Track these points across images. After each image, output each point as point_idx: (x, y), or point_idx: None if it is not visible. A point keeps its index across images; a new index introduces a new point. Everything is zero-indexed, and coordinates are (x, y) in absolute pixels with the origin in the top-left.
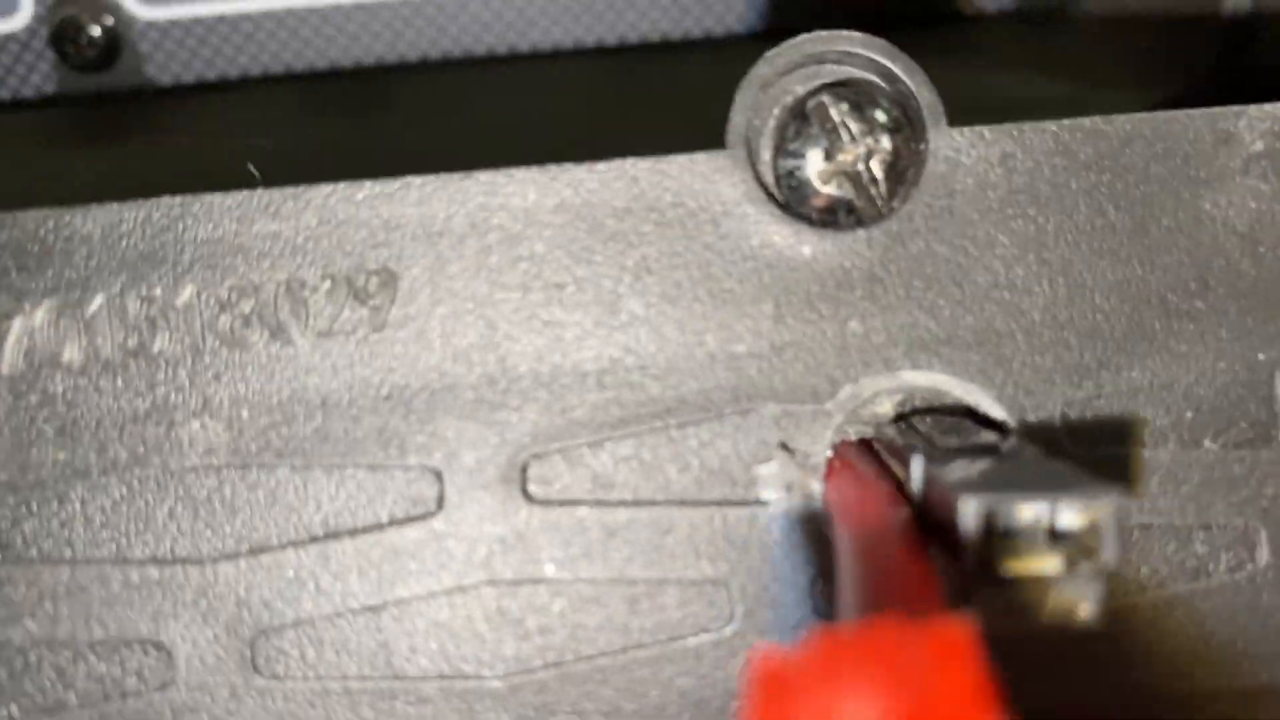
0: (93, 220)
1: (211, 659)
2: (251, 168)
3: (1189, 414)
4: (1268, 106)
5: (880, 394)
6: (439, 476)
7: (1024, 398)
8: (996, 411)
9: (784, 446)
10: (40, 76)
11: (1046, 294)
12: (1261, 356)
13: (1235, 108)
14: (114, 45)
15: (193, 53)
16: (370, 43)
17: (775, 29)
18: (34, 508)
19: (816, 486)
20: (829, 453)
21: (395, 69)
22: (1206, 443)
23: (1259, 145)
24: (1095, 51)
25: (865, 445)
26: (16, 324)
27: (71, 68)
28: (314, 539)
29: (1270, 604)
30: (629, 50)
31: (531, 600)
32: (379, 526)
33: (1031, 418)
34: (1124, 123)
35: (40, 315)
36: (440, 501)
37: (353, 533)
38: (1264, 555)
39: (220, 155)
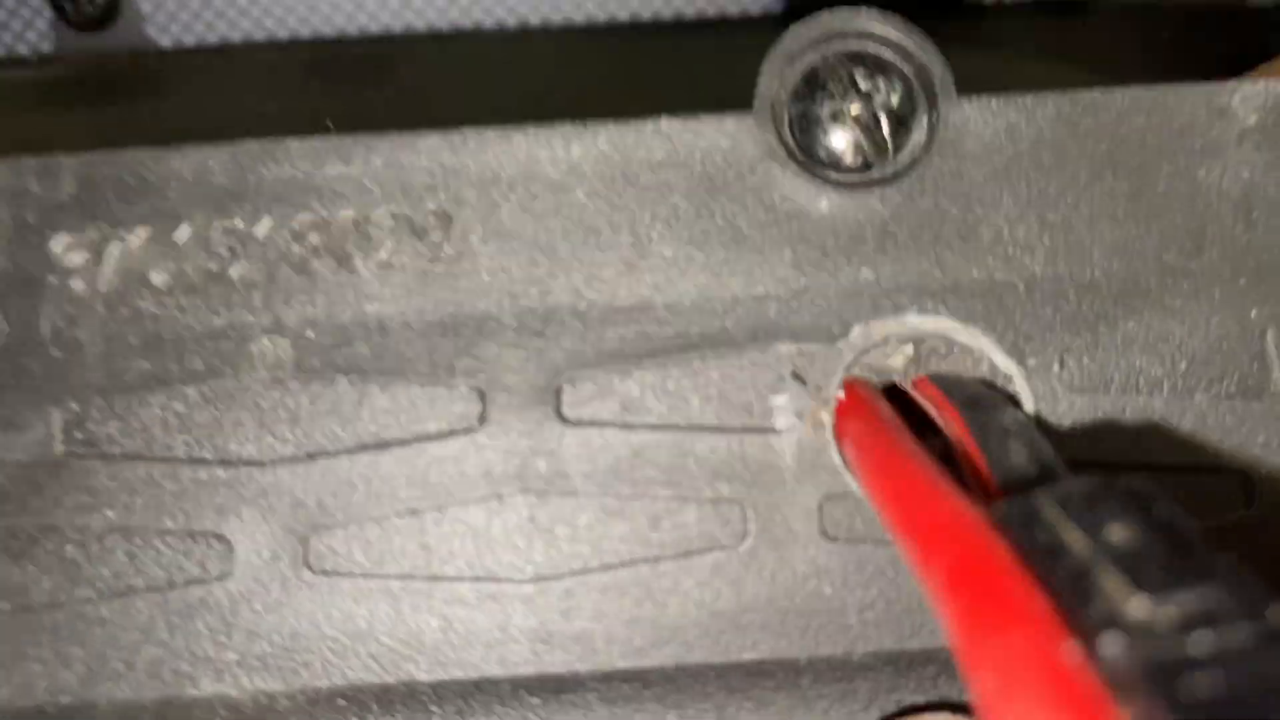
0: (183, 159)
1: (268, 553)
2: (329, 123)
3: (1182, 365)
4: (1261, 82)
5: (890, 337)
6: (482, 396)
7: (1024, 343)
8: (999, 356)
9: (796, 376)
10: (37, 34)
11: (1047, 250)
12: (1253, 314)
13: (1230, 83)
14: (113, 4)
15: (194, 15)
16: (373, 11)
17: (797, 9)
18: (119, 410)
19: (826, 417)
20: (840, 388)
21: (396, 38)
22: (1198, 394)
23: (1252, 119)
24: (1117, 43)
25: (872, 386)
26: (114, 248)
27: (69, 26)
28: (366, 448)
29: (1260, 547)
30: (642, 27)
31: (561, 512)
32: (426, 438)
33: (1031, 362)
34: (1123, 95)
35: (135, 241)
36: (482, 418)
37: (402, 443)
38: (1254, 500)
39: (217, 117)
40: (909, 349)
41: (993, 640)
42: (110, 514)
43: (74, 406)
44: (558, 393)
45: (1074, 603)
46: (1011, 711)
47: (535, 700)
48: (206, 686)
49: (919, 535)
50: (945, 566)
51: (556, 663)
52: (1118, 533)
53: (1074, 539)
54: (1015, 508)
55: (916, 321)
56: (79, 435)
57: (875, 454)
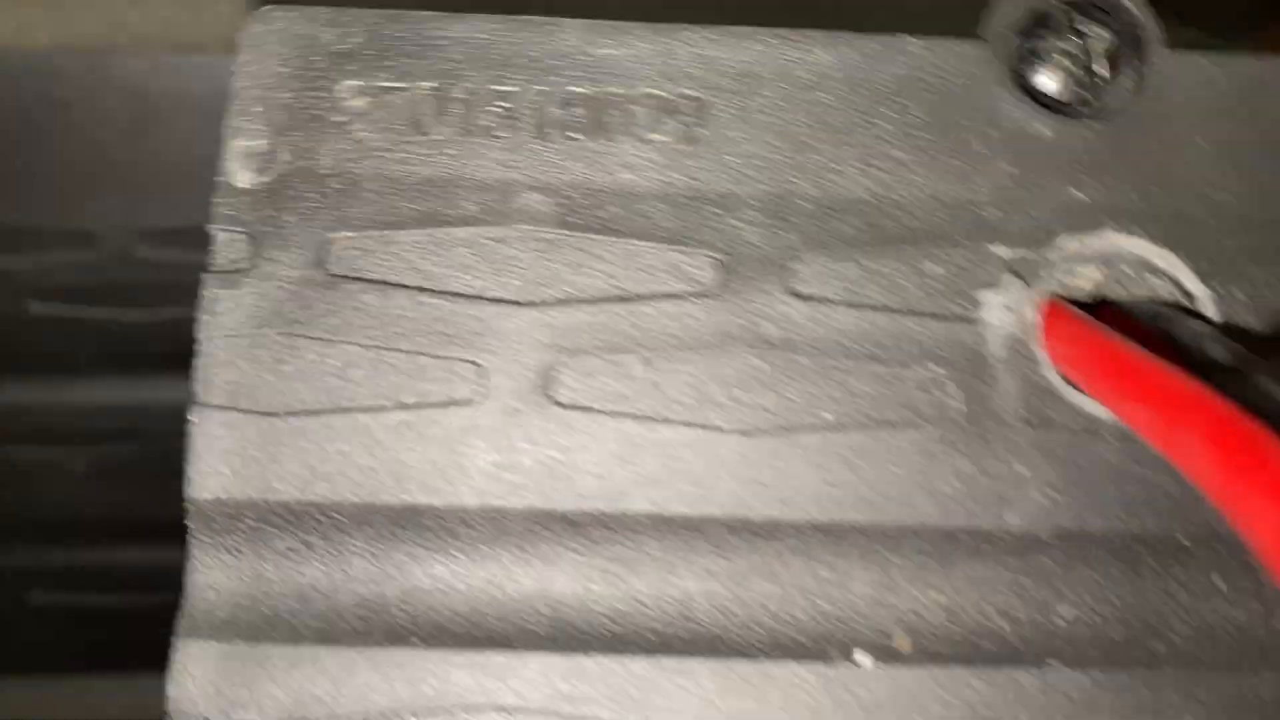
0: (467, 25)
1: (516, 384)
2: None
3: None
4: None
5: (1092, 251)
6: (721, 265)
7: (1211, 268)
8: (1189, 279)
9: (1013, 272)
10: None
11: (1235, 190)
12: None
13: None
14: None
15: None
16: None
17: None
18: (389, 242)
19: (1030, 315)
20: (1041, 293)
21: None
22: None
23: None
24: None
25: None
26: (396, 97)
27: None
28: (612, 299)
29: None
30: None
31: (781, 374)
32: (666, 296)
33: (1217, 287)
34: None
35: (416, 94)
36: (722, 286)
37: (645, 298)
38: None
39: None
40: (1098, 275)
41: (1268, 493)
42: (372, 335)
43: (347, 235)
44: (790, 269)
45: None
46: None
47: (738, 542)
48: (444, 498)
49: (1166, 412)
50: (1202, 437)
51: (759, 510)
52: None
53: None
54: (1237, 385)
55: (1117, 239)
56: (350, 261)
57: (1104, 350)
